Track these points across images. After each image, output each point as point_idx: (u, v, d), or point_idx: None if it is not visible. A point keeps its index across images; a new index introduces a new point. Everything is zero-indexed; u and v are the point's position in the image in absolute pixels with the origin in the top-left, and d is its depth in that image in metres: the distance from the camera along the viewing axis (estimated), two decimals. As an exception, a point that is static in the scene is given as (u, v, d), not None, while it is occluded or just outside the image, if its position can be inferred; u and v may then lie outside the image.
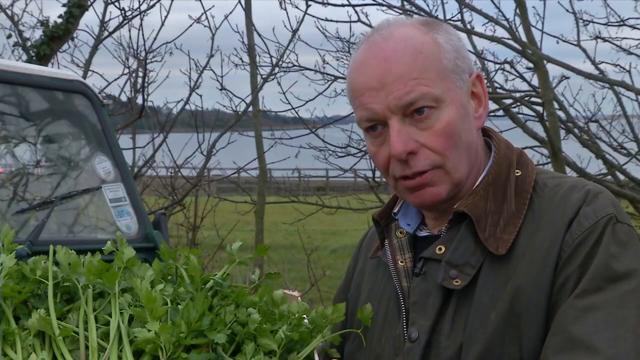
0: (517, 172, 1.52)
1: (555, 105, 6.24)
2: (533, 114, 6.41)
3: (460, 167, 1.48)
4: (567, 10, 6.73)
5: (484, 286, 1.43)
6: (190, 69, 7.83)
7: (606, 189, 1.46)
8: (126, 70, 7.92)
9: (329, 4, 6.60)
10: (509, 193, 1.49)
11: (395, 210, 1.61)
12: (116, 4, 7.82)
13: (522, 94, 6.50)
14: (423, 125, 1.45)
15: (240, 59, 8.19)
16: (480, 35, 6.15)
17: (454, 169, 1.47)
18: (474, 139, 1.51)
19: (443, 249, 1.49)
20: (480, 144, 1.55)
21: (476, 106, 1.53)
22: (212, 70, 8.00)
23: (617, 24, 6.72)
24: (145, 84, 7.59)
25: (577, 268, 1.37)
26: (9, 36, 7.98)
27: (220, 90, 8.07)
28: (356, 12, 6.51)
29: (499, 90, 6.49)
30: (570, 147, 6.53)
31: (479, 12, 6.23)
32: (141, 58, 7.70)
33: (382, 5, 6.26)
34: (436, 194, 1.48)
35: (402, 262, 1.55)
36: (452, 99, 1.46)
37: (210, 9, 7.86)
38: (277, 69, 7.66)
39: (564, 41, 6.82)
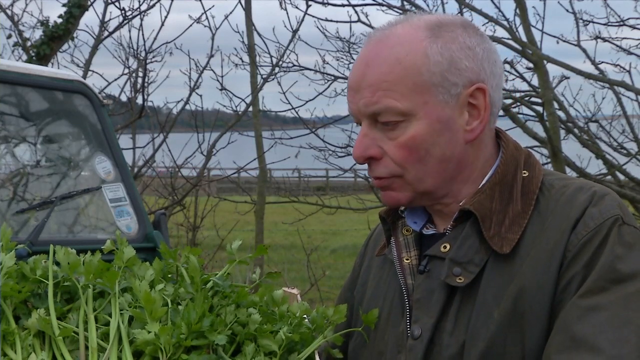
0: (524, 173, 1.51)
1: (555, 105, 6.24)
2: (533, 114, 6.41)
3: (427, 180, 1.48)
4: (567, 10, 6.73)
5: (488, 285, 1.43)
6: (190, 69, 7.85)
7: (613, 191, 1.45)
8: (126, 70, 7.93)
9: (329, 4, 6.60)
10: (515, 193, 1.48)
11: (403, 208, 1.61)
12: (116, 4, 7.82)
13: (522, 94, 6.49)
14: (390, 134, 1.47)
15: (240, 59, 8.21)
16: (481, 35, 6.13)
17: (416, 181, 1.48)
18: (455, 152, 1.48)
19: (448, 247, 1.48)
20: (475, 155, 1.52)
21: (470, 119, 1.49)
22: (212, 70, 8.02)
23: (617, 24, 6.73)
24: (145, 84, 7.59)
25: (582, 268, 1.36)
26: (9, 36, 7.98)
27: (220, 90, 8.09)
28: (356, 12, 6.52)
29: (499, 90, 6.47)
30: (570, 147, 6.53)
31: (479, 12, 6.22)
32: (141, 58, 7.71)
33: (382, 5, 6.27)
34: (395, 199, 1.51)
35: (407, 259, 1.55)
36: (427, 113, 1.45)
37: (210, 9, 7.92)
38: (277, 69, 7.67)
39: (564, 41, 6.82)
